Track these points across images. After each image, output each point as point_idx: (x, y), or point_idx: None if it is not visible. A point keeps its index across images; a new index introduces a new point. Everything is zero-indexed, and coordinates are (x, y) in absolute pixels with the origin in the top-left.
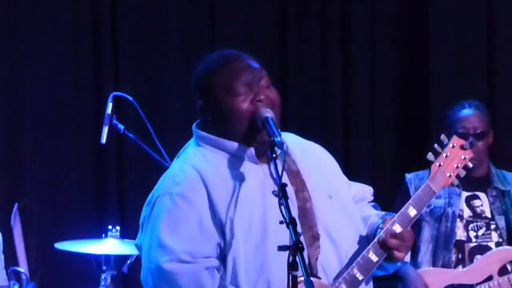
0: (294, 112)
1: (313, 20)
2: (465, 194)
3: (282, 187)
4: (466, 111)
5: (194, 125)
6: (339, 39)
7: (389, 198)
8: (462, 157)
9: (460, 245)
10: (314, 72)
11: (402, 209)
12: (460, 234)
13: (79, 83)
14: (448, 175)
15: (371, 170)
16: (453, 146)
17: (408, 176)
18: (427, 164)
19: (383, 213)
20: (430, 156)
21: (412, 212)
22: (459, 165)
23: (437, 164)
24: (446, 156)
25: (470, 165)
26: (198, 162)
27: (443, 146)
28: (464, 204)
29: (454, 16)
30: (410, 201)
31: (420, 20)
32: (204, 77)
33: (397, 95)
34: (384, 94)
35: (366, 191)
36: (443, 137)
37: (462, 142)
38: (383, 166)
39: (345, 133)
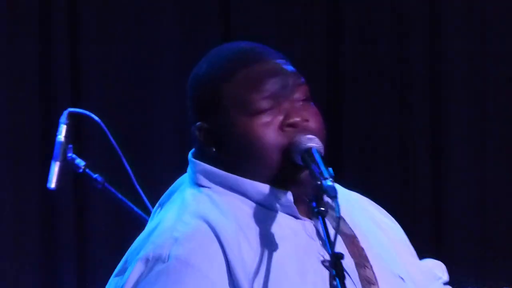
0: (351, 150)
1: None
2: None
3: (336, 259)
4: None
5: (190, 154)
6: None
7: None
8: None
9: None
10: (381, 90)
11: None
12: None
13: (19, 97)
14: None
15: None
16: None
17: None
18: None
19: None
20: None
21: None
22: None
23: None
24: None
25: None
26: (206, 211)
27: None
28: None
29: None
30: None
31: None
32: (206, 87)
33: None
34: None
35: (438, 267)
36: None
37: None
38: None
39: (435, 183)
